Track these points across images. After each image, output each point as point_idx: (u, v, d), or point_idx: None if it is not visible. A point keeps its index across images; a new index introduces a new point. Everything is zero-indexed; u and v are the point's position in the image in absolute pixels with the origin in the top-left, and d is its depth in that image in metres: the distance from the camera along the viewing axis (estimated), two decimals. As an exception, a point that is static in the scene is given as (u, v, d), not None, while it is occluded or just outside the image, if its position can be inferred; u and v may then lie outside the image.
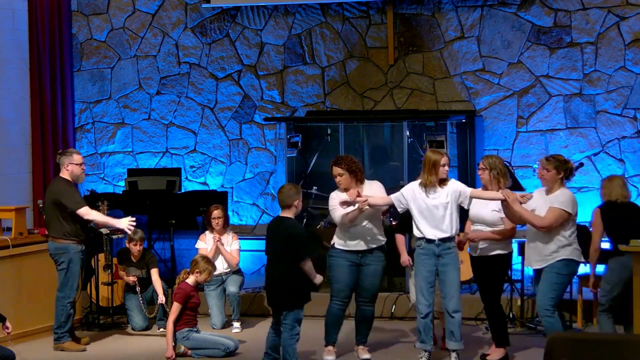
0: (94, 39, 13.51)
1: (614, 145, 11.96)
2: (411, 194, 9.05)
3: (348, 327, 9.77)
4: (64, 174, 9.91)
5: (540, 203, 8.90)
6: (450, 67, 12.43)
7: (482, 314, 10.93)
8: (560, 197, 8.80)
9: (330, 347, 9.45)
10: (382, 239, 9.40)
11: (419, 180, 9.06)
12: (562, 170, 8.84)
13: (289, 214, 8.84)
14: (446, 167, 8.94)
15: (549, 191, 8.92)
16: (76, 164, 9.89)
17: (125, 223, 9.75)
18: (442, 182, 8.97)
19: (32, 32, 12.80)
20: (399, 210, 9.22)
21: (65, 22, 13.24)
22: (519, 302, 10.69)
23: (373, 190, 9.34)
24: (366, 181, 9.46)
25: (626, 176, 11.87)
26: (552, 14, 12.09)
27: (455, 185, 9.03)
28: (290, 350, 8.83)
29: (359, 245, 9.30)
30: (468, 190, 9.03)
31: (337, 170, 9.36)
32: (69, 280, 9.91)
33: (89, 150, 13.57)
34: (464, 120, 11.91)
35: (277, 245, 8.83)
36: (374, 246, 9.34)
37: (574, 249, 8.83)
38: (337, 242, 9.36)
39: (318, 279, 8.85)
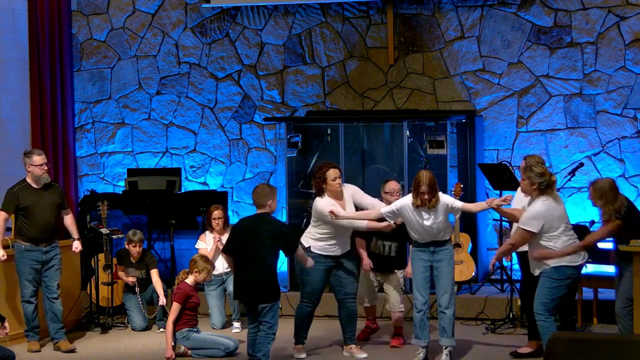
0: (94, 39, 13.50)
1: (614, 145, 11.96)
2: (404, 213, 9.20)
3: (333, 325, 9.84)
4: (27, 175, 10.04)
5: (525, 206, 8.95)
6: (450, 67, 12.42)
7: (482, 314, 10.95)
8: (526, 214, 8.77)
9: (300, 346, 9.65)
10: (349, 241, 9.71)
11: (411, 199, 9.14)
12: (535, 182, 8.76)
13: (262, 211, 8.97)
14: (426, 196, 9.02)
15: (530, 199, 8.91)
16: (35, 165, 9.98)
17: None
18: (432, 203, 9.06)
19: (32, 32, 12.80)
20: (390, 221, 9.39)
21: (65, 22, 13.24)
22: (519, 302, 10.68)
23: (350, 193, 9.60)
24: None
25: (626, 176, 11.88)
26: (552, 14, 12.08)
27: (445, 200, 9.15)
28: (263, 350, 8.90)
29: (337, 250, 9.51)
30: (459, 204, 9.21)
31: (337, 172, 9.51)
32: (18, 279, 9.99)
33: (89, 150, 13.57)
34: (464, 120, 11.91)
35: (260, 242, 8.84)
36: (348, 249, 9.63)
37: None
38: (315, 245, 9.48)
39: (310, 262, 9.19)
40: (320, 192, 9.51)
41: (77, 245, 10.29)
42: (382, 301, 10.39)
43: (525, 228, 8.72)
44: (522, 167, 9.49)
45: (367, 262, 9.98)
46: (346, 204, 9.53)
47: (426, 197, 9.03)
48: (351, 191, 9.63)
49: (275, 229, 8.88)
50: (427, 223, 9.12)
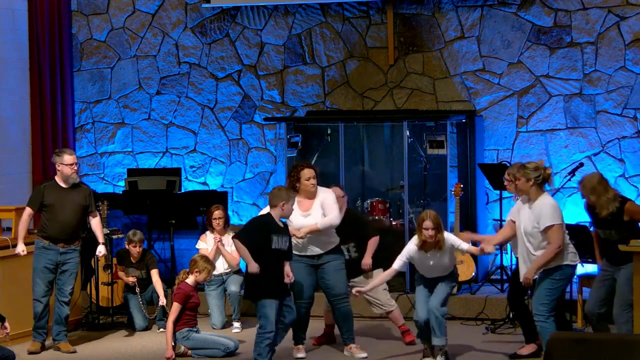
0: (94, 39, 13.50)
1: (614, 145, 11.96)
2: (413, 256, 9.21)
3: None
4: (57, 174, 10.04)
5: (525, 217, 8.83)
6: (450, 67, 12.42)
7: (482, 314, 10.95)
8: (546, 212, 8.69)
9: (300, 346, 9.67)
10: (335, 241, 9.61)
11: (415, 241, 9.18)
12: (531, 177, 8.74)
13: (273, 212, 8.99)
14: (430, 232, 9.01)
15: (528, 200, 8.83)
16: (66, 165, 9.98)
17: (19, 249, 9.98)
18: (437, 240, 9.07)
19: (32, 32, 12.80)
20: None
21: (65, 22, 13.24)
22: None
23: (322, 198, 9.53)
24: (319, 187, 9.65)
25: (626, 176, 11.88)
26: (552, 14, 12.08)
27: (451, 242, 9.16)
28: (257, 349, 8.92)
29: (313, 250, 9.51)
30: (464, 247, 9.22)
31: (312, 172, 9.54)
32: (33, 276, 10.02)
33: (89, 150, 13.57)
34: (464, 120, 11.91)
35: None
36: (329, 249, 9.56)
37: (567, 254, 8.79)
38: (293, 246, 9.46)
39: (251, 266, 8.85)
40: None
41: (100, 249, 10.28)
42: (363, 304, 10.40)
43: (557, 222, 8.65)
44: (507, 177, 9.45)
45: (368, 261, 9.92)
46: (313, 207, 9.51)
47: (430, 233, 9.01)
48: (323, 196, 9.58)
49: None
50: (431, 262, 9.16)
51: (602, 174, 9.15)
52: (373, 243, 9.92)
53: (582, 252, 9.37)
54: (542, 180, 8.76)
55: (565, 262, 8.77)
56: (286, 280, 9.05)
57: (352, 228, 9.84)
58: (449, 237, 9.16)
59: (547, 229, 8.66)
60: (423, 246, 9.07)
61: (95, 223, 10.24)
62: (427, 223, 9.00)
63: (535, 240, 8.76)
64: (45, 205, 9.99)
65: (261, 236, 8.88)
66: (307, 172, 9.50)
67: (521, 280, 8.90)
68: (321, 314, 10.30)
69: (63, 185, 10.03)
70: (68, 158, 10.01)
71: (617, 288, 9.04)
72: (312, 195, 9.53)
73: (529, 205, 8.80)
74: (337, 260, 9.59)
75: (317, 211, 9.50)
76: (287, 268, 9.05)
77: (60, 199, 9.99)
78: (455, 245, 9.14)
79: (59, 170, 10.04)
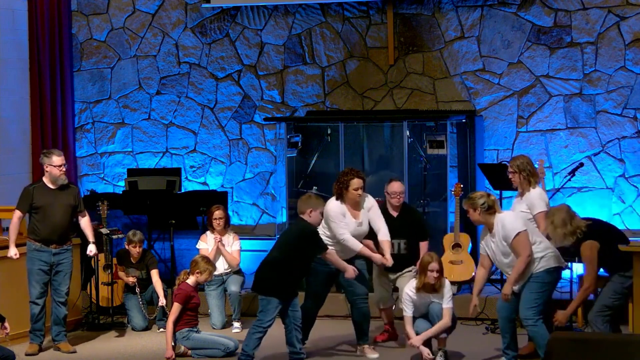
0: (94, 39, 13.51)
1: (614, 145, 11.96)
2: (415, 301, 9.36)
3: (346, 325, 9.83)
4: (45, 175, 9.98)
5: (494, 246, 8.90)
6: (450, 67, 12.42)
7: (482, 314, 10.95)
8: (507, 227, 8.75)
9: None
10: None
11: (412, 285, 9.33)
12: (477, 206, 8.82)
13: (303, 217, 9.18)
14: (435, 274, 9.17)
15: (488, 231, 8.93)
16: (54, 166, 9.92)
17: (12, 252, 9.92)
18: (437, 287, 9.27)
19: (32, 32, 12.80)
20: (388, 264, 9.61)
21: (65, 22, 13.24)
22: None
23: (368, 206, 9.57)
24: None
25: (626, 176, 11.88)
26: (552, 14, 12.08)
27: (446, 291, 9.32)
28: (246, 340, 9.14)
29: (340, 254, 9.47)
30: (447, 305, 9.33)
31: (361, 182, 9.51)
32: (28, 279, 9.98)
33: (89, 150, 13.57)
34: (464, 120, 11.91)
35: (284, 238, 9.28)
36: (354, 254, 9.56)
37: (551, 256, 8.81)
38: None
39: (349, 272, 9.19)
40: (339, 197, 9.51)
41: (91, 249, 10.25)
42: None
43: (521, 230, 8.71)
44: (510, 169, 9.46)
45: (380, 257, 9.63)
46: (363, 216, 9.54)
47: (435, 275, 9.18)
48: (369, 205, 9.61)
49: (300, 228, 9.09)
50: (431, 304, 9.32)
51: (569, 208, 9.01)
52: (425, 246, 9.96)
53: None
54: (487, 207, 8.85)
55: (551, 265, 8.80)
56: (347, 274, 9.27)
57: (409, 226, 9.90)
58: (447, 286, 9.33)
59: (513, 240, 8.73)
60: (422, 288, 9.25)
61: (85, 223, 10.22)
62: (434, 265, 9.20)
63: (514, 255, 8.84)
64: (35, 207, 9.94)
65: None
66: (356, 182, 9.44)
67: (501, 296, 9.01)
68: (321, 314, 10.32)
69: (51, 186, 9.97)
70: (57, 159, 9.93)
71: (603, 290, 9.10)
72: (357, 205, 9.53)
73: (491, 236, 8.91)
74: (362, 261, 9.63)
75: (365, 219, 9.57)
76: (342, 264, 9.24)
77: (50, 200, 9.93)
78: (445, 297, 9.29)
79: (47, 172, 9.95)
